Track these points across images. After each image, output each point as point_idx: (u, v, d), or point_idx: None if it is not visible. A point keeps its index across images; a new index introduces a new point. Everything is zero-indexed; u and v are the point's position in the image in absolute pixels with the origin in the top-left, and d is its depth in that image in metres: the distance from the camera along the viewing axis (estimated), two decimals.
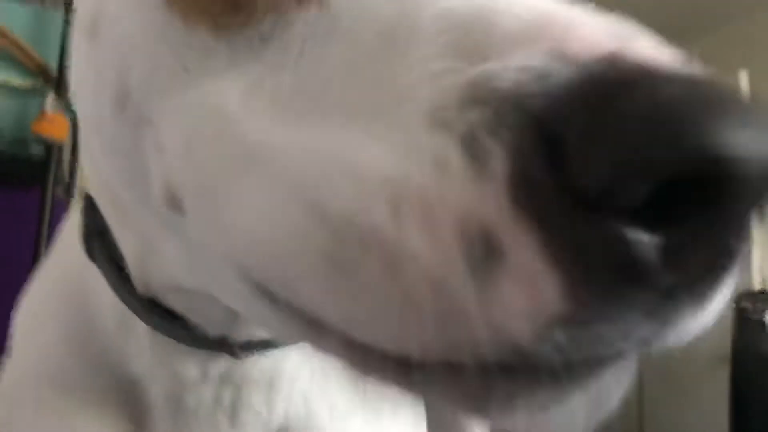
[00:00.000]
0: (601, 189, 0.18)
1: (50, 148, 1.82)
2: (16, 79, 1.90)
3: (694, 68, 0.21)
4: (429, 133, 0.20)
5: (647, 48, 0.22)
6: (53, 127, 1.74)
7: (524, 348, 0.20)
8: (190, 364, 0.45)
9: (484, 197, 0.19)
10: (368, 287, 0.21)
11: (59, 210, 1.96)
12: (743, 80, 3.47)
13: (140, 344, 0.45)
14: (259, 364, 0.47)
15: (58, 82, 1.85)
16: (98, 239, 0.44)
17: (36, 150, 1.85)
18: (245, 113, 0.26)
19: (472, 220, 0.19)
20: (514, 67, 0.20)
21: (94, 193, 0.43)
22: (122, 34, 0.32)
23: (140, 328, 0.44)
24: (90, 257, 0.45)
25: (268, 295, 0.26)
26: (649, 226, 0.18)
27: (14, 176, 1.95)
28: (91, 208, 0.44)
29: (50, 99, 1.77)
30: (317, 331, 0.24)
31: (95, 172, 0.41)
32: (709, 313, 0.23)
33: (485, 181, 0.19)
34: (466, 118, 0.20)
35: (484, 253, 0.19)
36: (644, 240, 0.18)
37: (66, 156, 2.11)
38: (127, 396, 0.47)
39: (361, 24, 0.25)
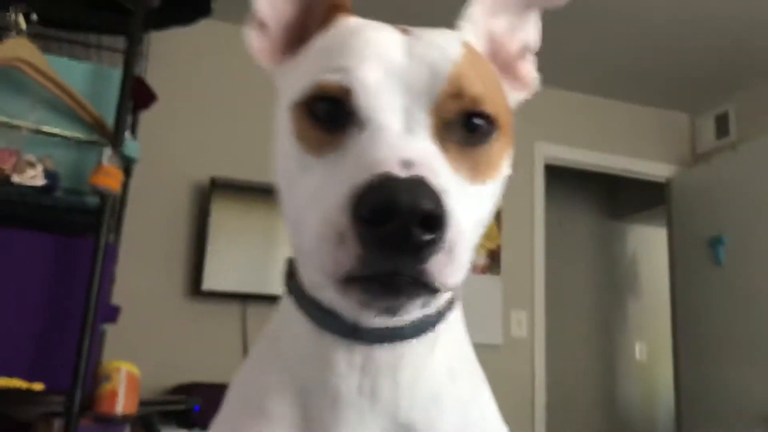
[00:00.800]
0: (362, 216, 0.50)
1: (105, 198, 1.89)
2: (75, 133, 1.98)
3: (415, 171, 0.52)
4: (338, 210, 0.53)
5: (407, 168, 0.52)
6: (109, 178, 1.81)
7: (354, 270, 0.52)
8: (339, 355, 0.65)
9: (344, 226, 0.52)
10: (324, 249, 0.53)
11: (110, 256, 2.04)
12: None
13: (306, 343, 0.67)
14: (385, 354, 0.65)
15: (113, 136, 1.94)
16: (292, 277, 0.71)
17: (91, 200, 1.93)
18: (322, 185, 0.58)
19: (339, 229, 0.52)
20: (355, 183, 0.52)
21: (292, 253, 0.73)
22: (281, 153, 0.66)
23: (307, 330, 0.67)
24: (288, 291, 0.71)
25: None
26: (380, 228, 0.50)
27: (70, 224, 2.04)
28: (289, 264, 0.73)
29: (107, 152, 1.85)
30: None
31: (287, 230, 0.68)
32: (441, 268, 0.52)
33: (344, 222, 0.52)
34: (345, 207, 0.52)
35: (340, 238, 0.52)
36: (382, 232, 0.50)
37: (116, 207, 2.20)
38: (300, 393, 0.67)
39: (340, 164, 0.58)
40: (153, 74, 3.06)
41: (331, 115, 0.60)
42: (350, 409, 0.65)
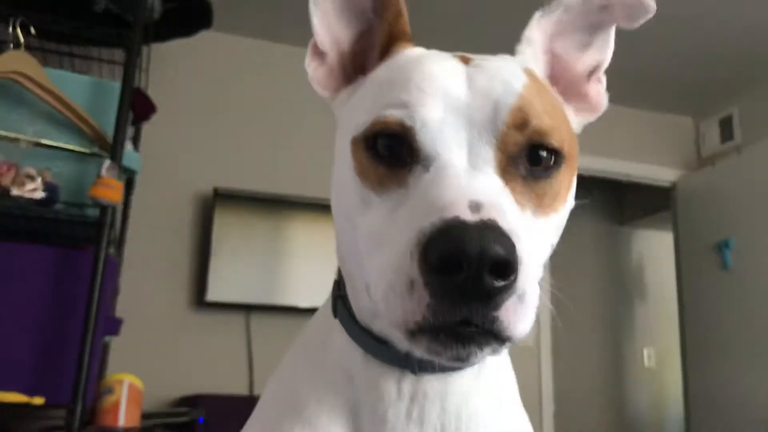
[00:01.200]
0: (432, 265, 0.49)
1: (105, 210, 1.89)
2: (75, 145, 1.98)
3: (484, 216, 0.51)
4: (406, 256, 0.52)
5: (477, 212, 0.51)
6: (109, 190, 1.81)
7: (425, 321, 0.50)
8: (389, 384, 0.65)
9: (414, 273, 0.51)
10: (393, 298, 0.52)
11: (111, 268, 2.04)
12: None
13: (356, 370, 0.67)
14: (435, 383, 0.66)
15: (113, 149, 1.94)
16: (340, 300, 0.70)
17: (91, 212, 1.93)
18: (385, 224, 0.58)
19: (408, 278, 0.51)
20: (422, 228, 0.51)
21: (339, 275, 0.73)
22: (341, 187, 0.65)
23: (357, 357, 0.67)
24: (334, 313, 0.71)
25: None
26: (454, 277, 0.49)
27: (70, 237, 2.04)
28: (336, 284, 0.73)
29: (107, 164, 1.85)
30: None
31: (340, 257, 0.69)
32: (511, 316, 0.51)
33: (414, 269, 0.51)
34: (413, 253, 0.51)
35: (410, 286, 0.51)
36: (453, 281, 0.49)
37: (118, 218, 2.19)
38: (348, 414, 0.67)
39: (404, 202, 0.58)
40: (154, 86, 3.06)
41: (394, 151, 0.60)
42: None
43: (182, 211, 3.35)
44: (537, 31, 0.73)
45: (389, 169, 0.60)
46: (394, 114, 0.60)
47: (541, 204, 0.61)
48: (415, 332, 0.52)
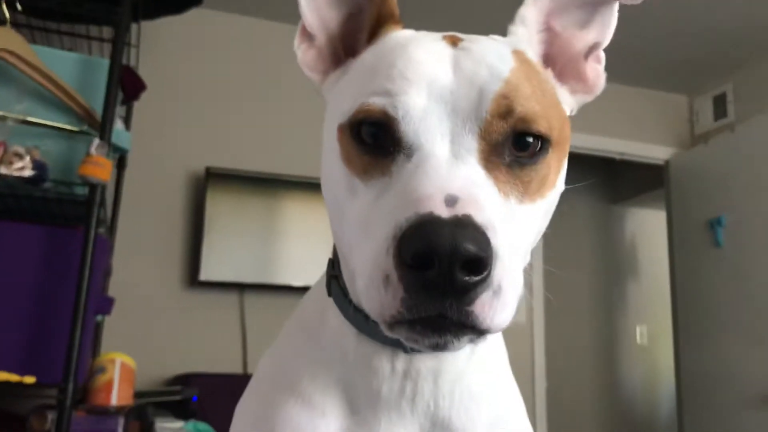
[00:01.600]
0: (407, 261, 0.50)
1: (94, 189, 1.88)
2: (63, 123, 1.96)
3: (458, 211, 0.51)
4: (383, 251, 0.53)
5: (451, 207, 0.51)
6: (98, 169, 1.79)
7: (399, 315, 0.51)
8: (383, 361, 0.66)
9: (389, 268, 0.52)
10: (372, 290, 0.53)
11: (101, 248, 2.02)
12: None
13: (350, 348, 0.68)
14: (427, 362, 0.66)
15: (102, 127, 1.92)
16: (334, 281, 0.71)
17: (80, 191, 1.91)
18: (369, 213, 0.58)
19: (385, 272, 0.52)
20: (398, 223, 0.52)
21: (334, 254, 0.72)
22: (329, 172, 0.65)
23: (351, 335, 0.68)
24: (328, 293, 0.71)
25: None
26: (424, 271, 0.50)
27: (59, 215, 2.02)
28: (331, 265, 0.72)
29: (96, 142, 1.83)
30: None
31: (335, 240, 0.69)
32: (487, 310, 0.51)
33: (389, 264, 0.52)
34: (389, 248, 0.52)
35: (386, 280, 0.52)
36: (425, 277, 0.50)
37: (109, 198, 2.18)
38: (343, 389, 0.68)
39: (387, 191, 0.58)
40: (145, 64, 3.04)
41: (378, 139, 0.60)
42: (392, 409, 0.67)
43: (175, 191, 3.33)
44: (532, 10, 0.71)
45: (373, 157, 0.60)
46: (377, 102, 0.60)
47: (528, 190, 0.60)
48: (392, 323, 0.53)
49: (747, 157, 3.59)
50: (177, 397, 2.42)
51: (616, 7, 0.72)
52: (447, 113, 0.59)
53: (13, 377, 1.72)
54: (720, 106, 4.13)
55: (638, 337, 5.48)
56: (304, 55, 0.72)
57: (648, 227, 5.55)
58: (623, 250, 5.63)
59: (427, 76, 0.60)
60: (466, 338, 0.53)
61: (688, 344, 3.94)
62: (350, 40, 0.72)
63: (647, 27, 3.54)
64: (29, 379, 1.74)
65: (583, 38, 0.73)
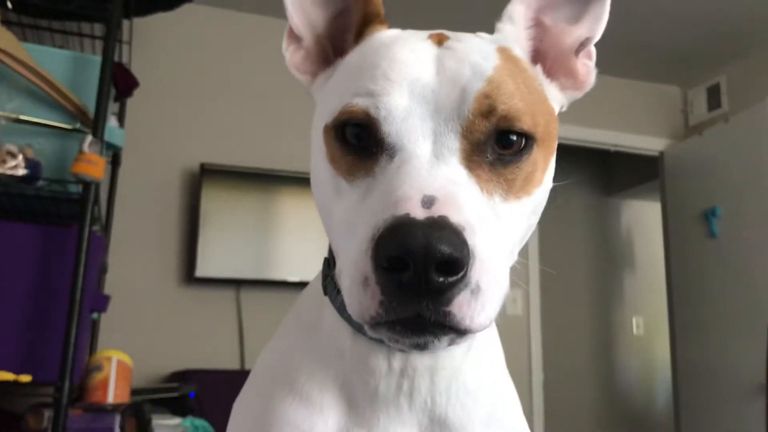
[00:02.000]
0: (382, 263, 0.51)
1: (88, 187, 1.87)
2: (56, 121, 1.96)
3: (436, 212, 0.51)
4: (362, 253, 0.53)
5: (428, 208, 0.52)
6: (91, 167, 1.79)
7: (378, 317, 0.52)
8: (379, 360, 0.66)
9: (368, 270, 0.52)
10: (353, 292, 0.54)
11: (96, 246, 2.02)
12: None
13: (346, 346, 0.68)
14: (423, 359, 0.66)
15: (95, 124, 1.91)
16: (330, 280, 0.69)
17: (74, 189, 1.91)
18: (353, 213, 0.59)
19: (363, 274, 0.52)
20: (377, 224, 0.52)
21: (330, 252, 0.72)
22: (317, 173, 0.66)
23: (347, 334, 0.68)
24: (324, 292, 0.71)
25: None
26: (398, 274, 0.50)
27: (53, 214, 2.02)
28: (326, 264, 0.72)
29: (88, 140, 1.83)
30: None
31: (328, 238, 0.68)
32: (465, 310, 0.51)
33: (368, 266, 0.52)
34: (367, 250, 0.52)
35: (365, 282, 0.52)
36: (401, 279, 0.50)
37: (103, 196, 2.17)
38: (341, 386, 0.68)
39: (370, 191, 0.58)
40: (138, 61, 3.03)
41: (362, 140, 0.60)
42: (390, 405, 0.67)
43: (169, 187, 3.32)
44: (520, 6, 0.71)
45: (358, 157, 0.60)
46: (360, 103, 0.60)
47: (512, 188, 0.60)
48: (373, 324, 0.54)
49: (741, 148, 3.60)
50: (174, 394, 2.42)
51: (607, 1, 0.72)
52: (430, 113, 0.59)
53: (9, 376, 1.72)
54: (714, 97, 4.13)
55: (634, 329, 5.50)
56: (292, 56, 0.73)
57: (643, 219, 5.56)
58: (619, 242, 5.64)
59: (410, 76, 0.60)
60: (446, 338, 0.54)
61: (684, 335, 3.96)
62: (338, 41, 0.72)
63: (641, 18, 3.53)
64: (25, 378, 1.74)
65: (574, 33, 0.72)
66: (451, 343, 0.55)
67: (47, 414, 1.82)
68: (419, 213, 0.51)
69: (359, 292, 0.53)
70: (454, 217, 0.51)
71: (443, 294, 0.50)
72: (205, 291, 3.26)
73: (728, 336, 3.57)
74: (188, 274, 3.21)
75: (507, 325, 3.74)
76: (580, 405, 5.11)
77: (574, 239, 5.39)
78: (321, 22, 0.73)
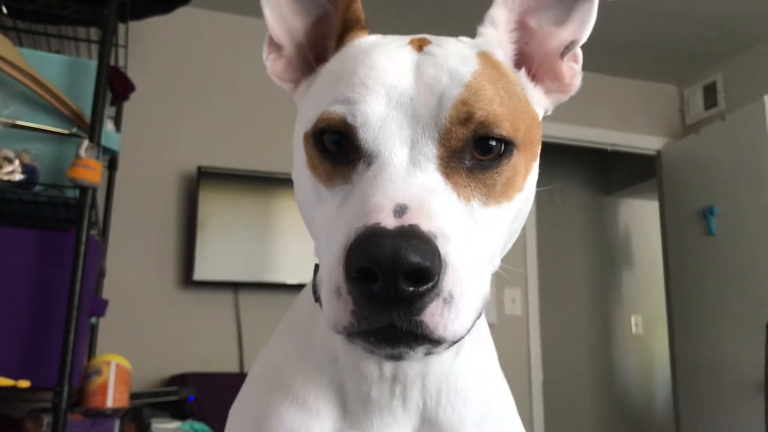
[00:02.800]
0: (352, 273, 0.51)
1: (85, 192, 1.87)
2: (53, 126, 1.95)
3: (406, 221, 0.51)
4: (335, 262, 0.53)
5: (401, 217, 0.51)
6: (87, 171, 1.79)
7: (351, 327, 0.52)
8: (371, 366, 0.66)
9: (340, 280, 0.52)
10: (328, 302, 0.54)
11: (94, 250, 2.02)
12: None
13: (339, 352, 0.68)
14: (414, 365, 0.67)
15: (92, 128, 1.91)
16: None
17: (71, 193, 1.90)
18: (332, 220, 0.59)
19: (336, 284, 0.52)
20: (349, 234, 0.52)
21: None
22: (298, 180, 0.66)
23: (339, 341, 0.67)
24: (315, 300, 0.69)
25: None
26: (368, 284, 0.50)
27: (51, 218, 2.01)
28: (316, 270, 0.71)
29: (85, 144, 1.82)
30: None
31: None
32: (437, 319, 0.51)
33: (340, 276, 0.52)
34: (339, 259, 0.52)
35: (339, 292, 0.52)
36: (371, 289, 0.50)
37: (100, 200, 2.17)
38: (336, 391, 0.68)
39: (348, 198, 0.58)
40: (134, 64, 3.03)
41: (340, 147, 0.60)
42: (383, 410, 0.67)
43: (167, 191, 3.32)
44: (502, 10, 0.70)
45: (336, 164, 0.61)
46: (337, 110, 0.60)
47: (492, 194, 0.60)
48: (348, 334, 0.54)
49: (738, 146, 3.60)
50: (173, 398, 2.42)
51: (595, 3, 0.71)
52: (407, 120, 0.59)
53: (8, 381, 1.72)
54: (710, 95, 4.14)
55: (633, 327, 5.50)
56: (273, 65, 0.73)
57: (641, 217, 5.57)
58: (617, 241, 5.64)
59: (388, 83, 0.60)
60: (421, 349, 0.53)
61: (683, 333, 3.96)
62: (319, 48, 0.72)
63: (637, 18, 3.54)
64: (24, 383, 1.74)
65: (560, 35, 0.71)
66: (428, 353, 0.54)
67: (46, 419, 1.81)
68: (390, 222, 0.51)
69: (333, 301, 0.53)
70: (425, 225, 0.51)
71: (414, 303, 0.50)
72: (204, 294, 3.26)
73: (727, 333, 3.57)
74: (186, 278, 3.21)
75: (506, 324, 3.75)
76: (579, 404, 5.11)
77: (572, 238, 5.39)
78: (301, 29, 0.73)
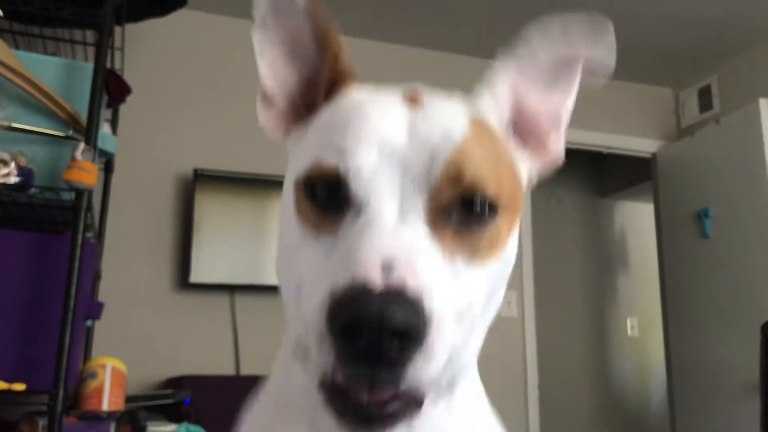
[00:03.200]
0: (335, 332, 0.50)
1: (81, 194, 1.87)
2: (49, 128, 1.95)
3: (393, 281, 0.51)
4: (318, 313, 0.52)
5: (386, 275, 0.51)
6: (83, 174, 1.79)
7: (328, 377, 0.52)
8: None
9: (323, 331, 0.51)
10: (311, 347, 0.53)
11: (89, 253, 2.02)
12: (763, 107, 3.47)
13: (318, 403, 0.65)
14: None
15: (88, 131, 1.91)
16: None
17: (67, 196, 1.90)
18: (317, 268, 0.58)
19: (320, 333, 0.52)
20: (334, 285, 0.52)
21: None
22: (284, 224, 0.66)
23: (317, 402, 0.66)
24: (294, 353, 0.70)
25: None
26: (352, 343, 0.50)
27: (47, 221, 2.01)
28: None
29: (81, 147, 1.82)
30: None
31: (285, 298, 0.68)
32: (417, 368, 0.51)
33: (322, 326, 0.52)
34: (323, 311, 0.52)
35: (321, 341, 0.52)
36: (354, 345, 0.49)
37: (96, 203, 2.16)
38: None
39: (335, 247, 0.57)
40: (131, 67, 3.03)
41: (331, 196, 0.60)
42: None
43: (163, 193, 3.32)
44: (501, 77, 0.72)
45: (325, 213, 0.61)
46: (329, 160, 0.60)
47: (477, 252, 0.61)
48: (325, 386, 0.54)
49: (733, 149, 3.61)
50: (169, 401, 2.41)
51: (579, 68, 0.74)
52: (398, 174, 0.59)
53: (3, 384, 1.71)
54: (705, 98, 4.15)
55: (629, 330, 5.51)
56: (266, 117, 0.74)
57: (636, 220, 5.58)
58: (612, 243, 5.66)
59: (381, 136, 0.60)
60: (403, 413, 0.54)
61: (679, 335, 3.97)
62: (310, 98, 0.73)
63: (632, 21, 3.55)
64: (19, 386, 1.73)
65: (547, 103, 0.74)
66: (409, 417, 0.54)
67: (41, 422, 1.81)
68: (378, 278, 0.51)
69: (316, 351, 0.53)
70: (411, 281, 0.51)
71: (395, 363, 0.50)
72: (200, 297, 3.25)
73: (722, 335, 3.58)
74: (182, 280, 3.21)
75: (502, 327, 3.73)
76: (575, 406, 5.12)
77: (568, 241, 5.40)
78: (292, 81, 0.74)
